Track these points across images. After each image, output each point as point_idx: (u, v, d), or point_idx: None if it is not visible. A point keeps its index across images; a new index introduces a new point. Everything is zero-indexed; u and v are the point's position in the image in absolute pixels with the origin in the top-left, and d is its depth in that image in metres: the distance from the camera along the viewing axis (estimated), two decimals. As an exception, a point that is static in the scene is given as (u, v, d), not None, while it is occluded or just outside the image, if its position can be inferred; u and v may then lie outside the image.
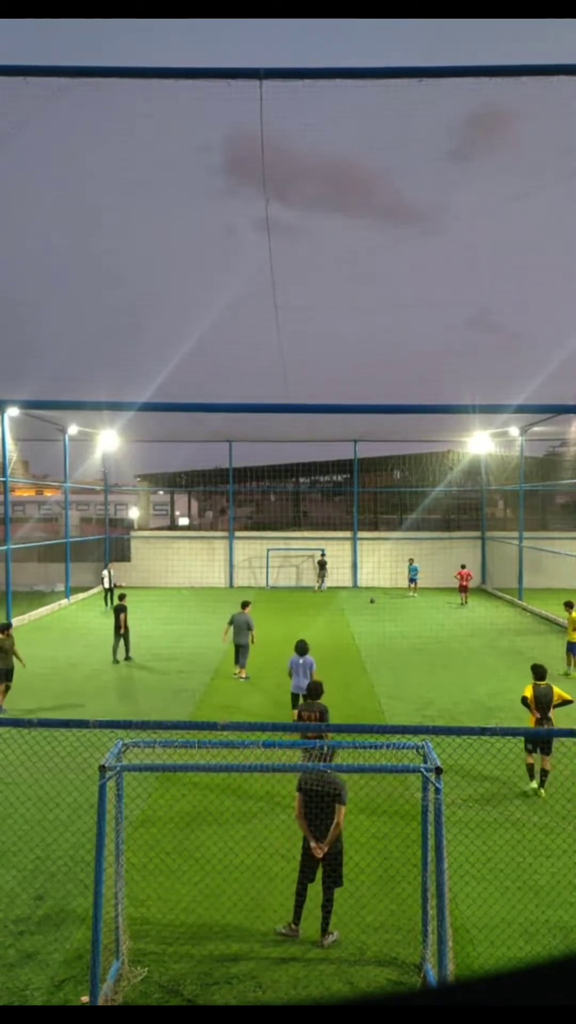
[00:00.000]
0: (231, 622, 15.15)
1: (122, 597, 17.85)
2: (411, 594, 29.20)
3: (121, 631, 16.95)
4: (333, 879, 6.23)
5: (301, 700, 11.14)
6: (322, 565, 31.22)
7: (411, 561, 29.95)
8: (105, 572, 27.27)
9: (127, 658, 17.04)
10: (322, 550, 32.08)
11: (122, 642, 17.05)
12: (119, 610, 17.06)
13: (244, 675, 15.09)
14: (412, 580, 29.29)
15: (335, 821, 6.21)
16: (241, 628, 15.02)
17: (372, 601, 27.40)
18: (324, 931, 6.16)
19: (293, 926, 6.24)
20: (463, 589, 27.12)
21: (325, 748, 6.37)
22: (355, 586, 32.22)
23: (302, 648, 11.84)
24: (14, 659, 13.00)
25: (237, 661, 15.21)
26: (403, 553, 32.34)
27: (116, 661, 16.87)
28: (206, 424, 25.42)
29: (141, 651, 18.01)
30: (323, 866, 6.25)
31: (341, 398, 24.13)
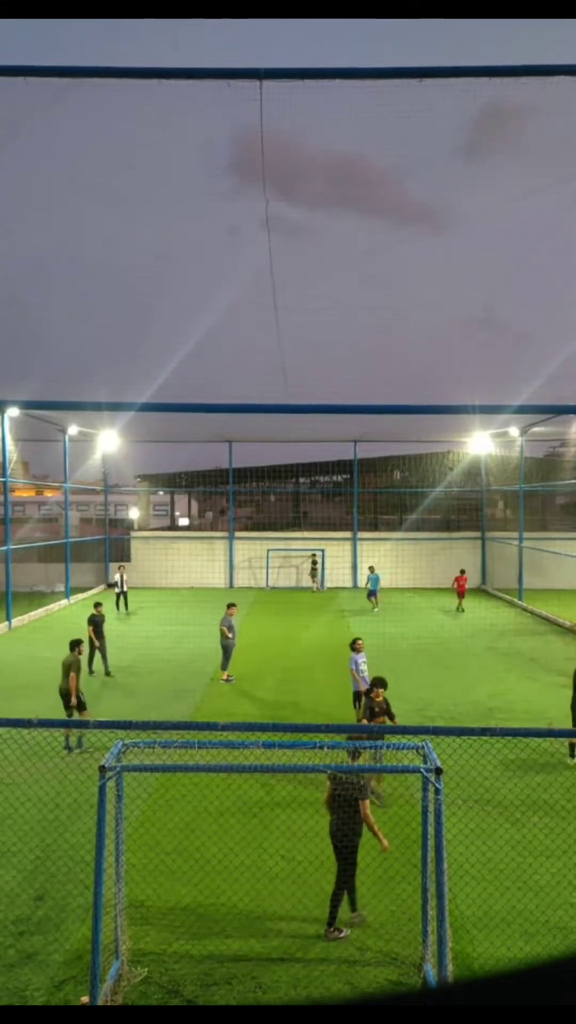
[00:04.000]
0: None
1: (97, 605, 15.99)
2: (373, 609, 25.56)
3: (96, 644, 15.37)
4: (341, 870, 6.33)
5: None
6: (314, 564, 31.19)
7: (371, 570, 27.02)
8: (118, 575, 24.96)
9: (107, 674, 15.49)
10: (319, 551, 32.06)
11: (98, 655, 15.50)
12: (93, 621, 15.50)
13: (226, 677, 15.00)
14: (372, 592, 25.90)
15: (361, 816, 6.35)
16: (223, 630, 15.02)
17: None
18: (353, 909, 6.35)
19: (353, 915, 6.41)
20: (460, 595, 25.53)
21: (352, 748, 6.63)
22: (355, 586, 32.20)
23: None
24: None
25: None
26: (403, 554, 32.31)
27: (92, 672, 15.20)
28: (206, 424, 25.42)
29: (141, 651, 17.99)
30: (336, 859, 6.38)
31: (341, 398, 24.16)
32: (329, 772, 6.40)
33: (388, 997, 0.71)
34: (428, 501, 33.52)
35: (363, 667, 11.81)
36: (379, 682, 9.68)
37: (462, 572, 26.14)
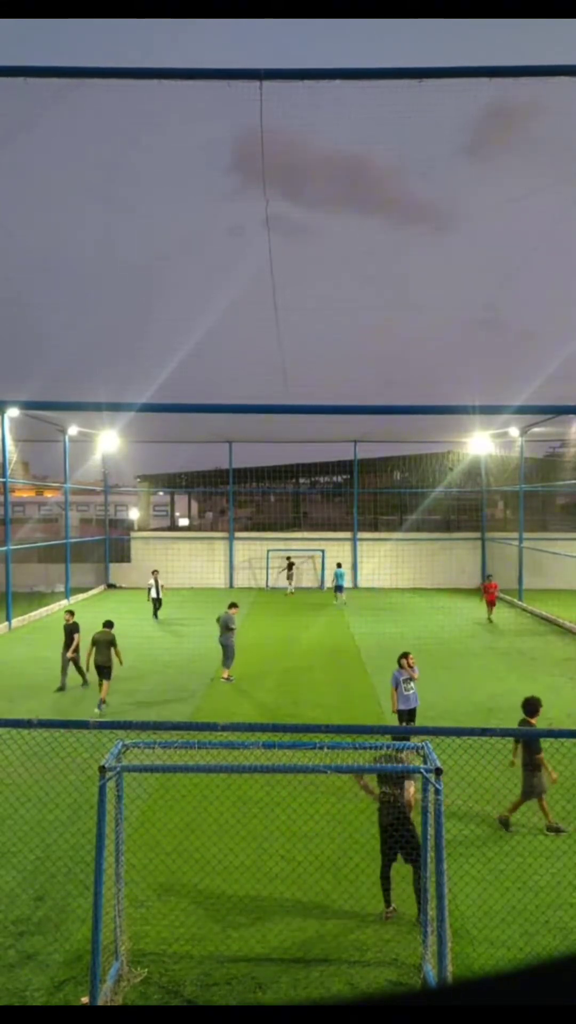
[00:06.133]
0: (218, 620, 15.20)
1: (71, 613, 14.99)
2: (339, 603, 26.40)
3: (68, 655, 14.35)
4: (411, 857, 6.42)
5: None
6: (290, 566, 30.49)
7: (338, 565, 27.79)
8: (152, 581, 23.49)
9: (84, 684, 14.49)
10: (319, 551, 32.04)
11: (72, 666, 14.45)
12: (72, 630, 14.48)
13: (226, 676, 14.99)
14: (338, 588, 26.69)
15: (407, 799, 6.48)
16: (222, 628, 15.02)
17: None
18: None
19: (387, 909, 6.51)
20: (490, 603, 23.10)
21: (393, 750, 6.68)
22: (355, 586, 32.21)
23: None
24: (112, 656, 13.28)
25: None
26: (403, 554, 32.30)
27: (62, 688, 14.28)
28: (206, 425, 25.42)
29: (141, 652, 17.99)
30: (400, 848, 6.49)
31: (341, 398, 24.17)
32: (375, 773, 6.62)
33: (388, 997, 0.71)
34: (428, 501, 33.51)
35: (405, 685, 10.85)
36: (532, 707, 8.52)
37: (489, 578, 24.09)
